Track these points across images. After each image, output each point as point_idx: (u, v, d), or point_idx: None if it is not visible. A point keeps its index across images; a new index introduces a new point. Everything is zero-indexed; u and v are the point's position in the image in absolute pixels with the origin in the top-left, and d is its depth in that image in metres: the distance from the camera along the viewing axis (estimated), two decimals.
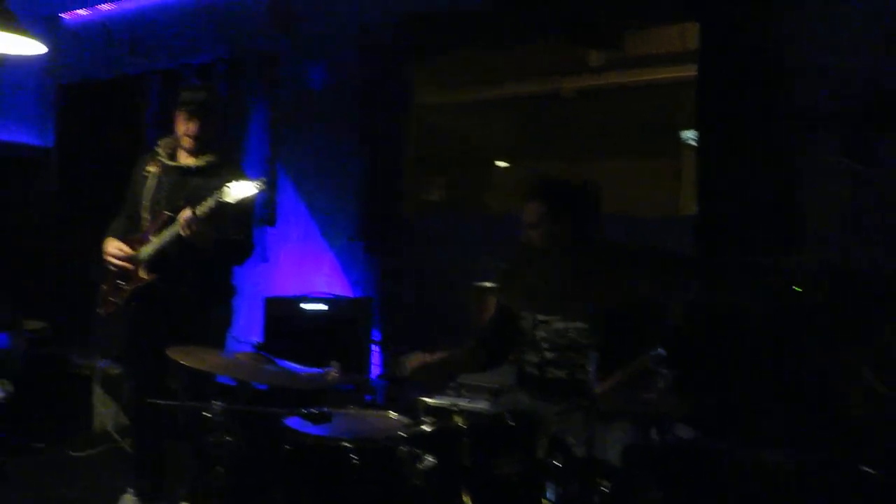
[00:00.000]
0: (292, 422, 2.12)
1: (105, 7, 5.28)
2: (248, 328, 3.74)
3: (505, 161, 6.68)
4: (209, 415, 2.01)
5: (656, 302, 2.27)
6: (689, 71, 3.56)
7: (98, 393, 4.41)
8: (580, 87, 5.17)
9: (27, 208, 5.22)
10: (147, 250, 2.98)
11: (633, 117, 5.10)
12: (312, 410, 1.86)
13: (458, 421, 1.87)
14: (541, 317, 2.39)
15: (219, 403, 1.98)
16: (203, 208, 2.78)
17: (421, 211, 4.49)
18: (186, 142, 3.02)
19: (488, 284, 3.51)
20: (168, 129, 3.11)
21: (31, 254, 5.05)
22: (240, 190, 2.73)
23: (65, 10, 5.36)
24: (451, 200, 6.10)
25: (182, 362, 2.18)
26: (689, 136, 4.41)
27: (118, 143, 5.20)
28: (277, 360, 2.28)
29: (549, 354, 2.37)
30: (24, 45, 3.25)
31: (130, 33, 5.21)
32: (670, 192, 4.83)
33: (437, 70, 4.91)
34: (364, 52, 4.20)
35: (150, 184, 3.06)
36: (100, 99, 5.37)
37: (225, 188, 2.74)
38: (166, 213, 2.94)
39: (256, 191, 2.76)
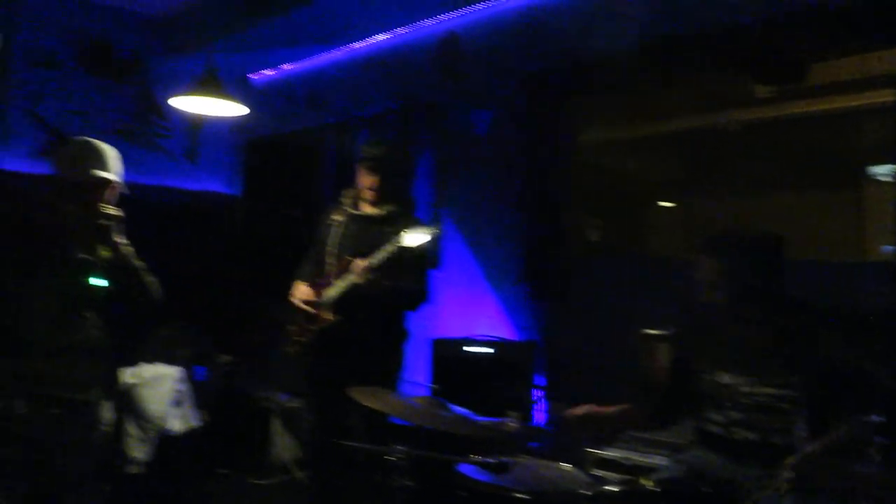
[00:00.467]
0: (466, 468, 2.11)
1: (287, 66, 5.61)
2: (414, 369, 3.79)
3: (668, 199, 6.35)
4: (389, 457, 2.06)
5: (865, 363, 2.04)
6: (875, 98, 3.20)
7: (277, 425, 4.61)
8: (746, 120, 4.88)
9: (220, 251, 5.51)
10: (331, 293, 3.10)
11: (806, 149, 4.73)
12: (491, 460, 1.83)
13: (647, 483, 1.75)
14: (727, 376, 2.26)
15: (400, 447, 1.99)
16: (379, 257, 2.90)
17: (585, 253, 4.41)
18: (367, 193, 3.16)
19: (657, 332, 3.36)
20: (342, 178, 3.36)
21: (222, 293, 5.33)
22: (415, 237, 2.87)
23: (253, 72, 5.72)
24: (614, 242, 5.90)
25: (363, 402, 2.25)
26: (881, 170, 4.01)
27: (297, 191, 5.48)
28: (452, 406, 2.30)
29: (735, 414, 2.23)
30: (229, 108, 3.60)
31: (309, 89, 5.50)
32: (851, 233, 4.42)
33: (598, 108, 4.79)
34: (530, 96, 4.24)
35: (336, 231, 3.20)
36: (281, 151, 5.63)
37: (400, 236, 2.87)
38: (349, 258, 3.06)
39: (430, 238, 2.87)
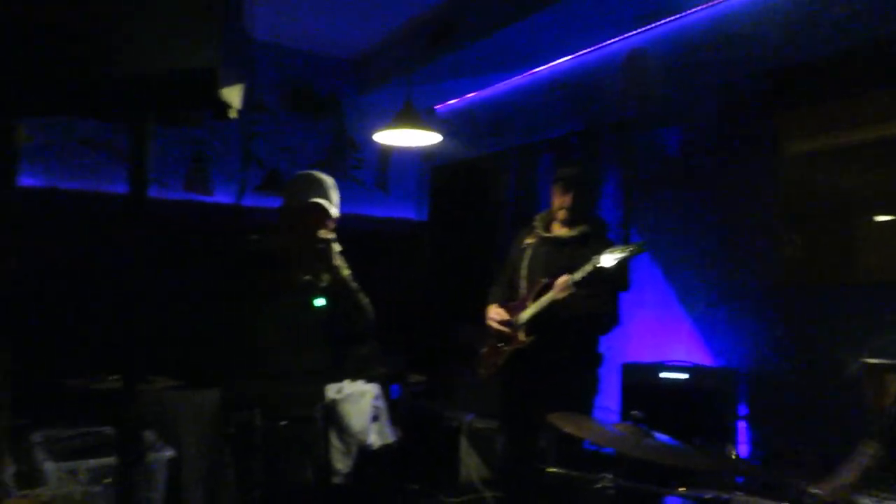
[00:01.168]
0: (673, 501, 2.00)
1: (470, 95, 5.67)
2: (604, 394, 3.69)
3: (883, 213, 5.66)
4: (596, 485, 2.03)
5: None
6: None
7: (465, 445, 4.61)
8: None
9: (411, 274, 5.56)
10: (525, 315, 3.07)
11: None
12: (708, 495, 1.71)
13: None
14: None
15: (609, 475, 1.93)
16: (581, 273, 2.85)
17: (789, 274, 4.00)
18: (561, 214, 3.12)
19: (885, 361, 2.99)
20: (525, 200, 3.43)
21: (415, 314, 5.36)
22: (613, 256, 2.79)
23: (438, 102, 5.83)
24: (822, 261, 5.35)
25: (561, 428, 2.20)
26: None
27: (481, 214, 5.44)
28: (656, 434, 2.21)
29: None
30: (423, 138, 3.66)
31: (492, 115, 5.50)
32: None
33: (801, 118, 4.45)
34: (724, 111, 4.02)
35: (528, 254, 3.17)
36: (465, 176, 5.62)
37: (601, 255, 2.81)
38: (543, 280, 3.03)
39: (629, 256, 2.79)
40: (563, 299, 2.86)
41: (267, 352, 2.33)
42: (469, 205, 5.55)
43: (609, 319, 3.06)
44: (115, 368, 2.67)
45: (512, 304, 3.16)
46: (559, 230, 3.14)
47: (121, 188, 3.17)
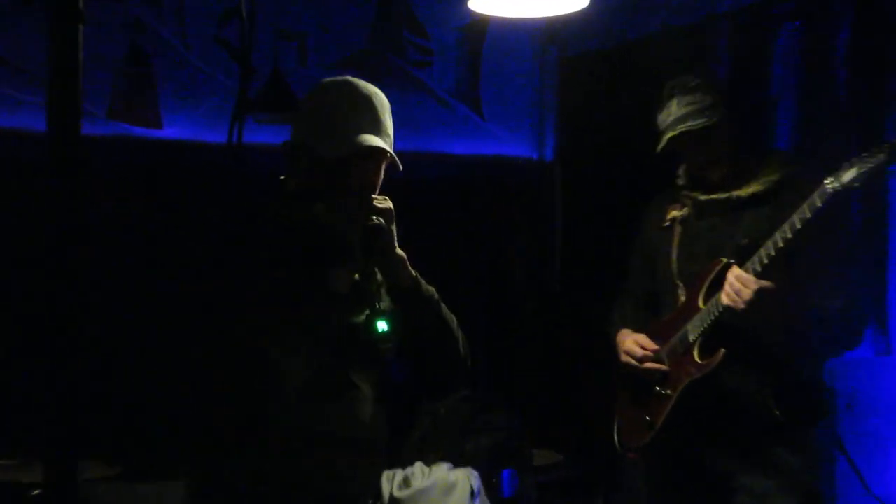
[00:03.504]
0: None
1: None
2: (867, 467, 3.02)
3: None
4: None
5: None
6: None
7: None
8: None
9: (524, 262, 4.43)
10: (695, 329, 2.46)
11: None
12: None
13: None
14: None
15: None
16: (766, 255, 2.26)
17: None
18: (718, 168, 2.51)
19: None
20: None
21: (534, 338, 4.25)
22: (853, 171, 2.12)
23: None
24: None
25: None
26: None
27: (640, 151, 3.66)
28: None
29: None
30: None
31: None
32: None
33: None
34: None
35: (677, 236, 2.63)
36: (628, 77, 3.87)
37: (799, 216, 2.16)
38: (723, 261, 2.41)
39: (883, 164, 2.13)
40: (751, 301, 2.25)
41: (280, 411, 1.80)
42: (633, 131, 3.73)
43: (846, 329, 2.42)
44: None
45: (660, 320, 2.62)
46: (726, 187, 2.52)
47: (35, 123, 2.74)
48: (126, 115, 3.58)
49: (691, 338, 2.42)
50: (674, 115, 2.42)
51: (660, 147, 2.43)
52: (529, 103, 4.39)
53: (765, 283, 2.20)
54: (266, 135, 3.35)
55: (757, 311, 2.23)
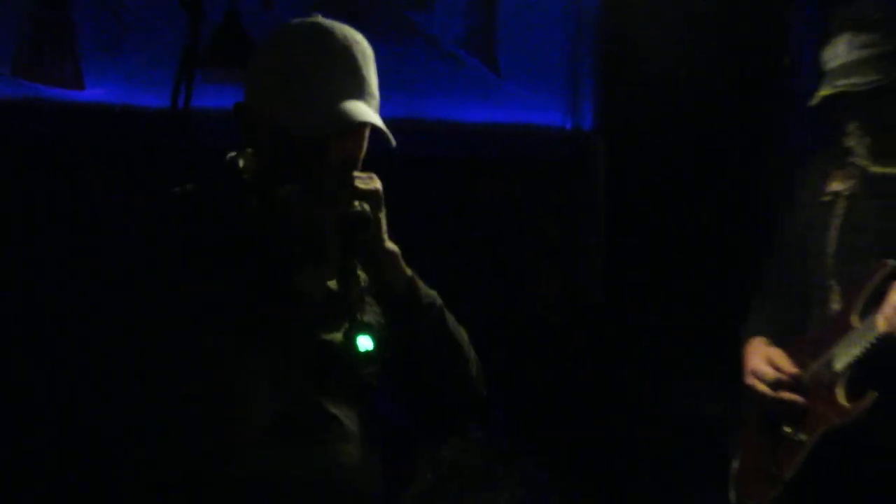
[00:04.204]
0: None
1: None
2: None
3: None
4: None
5: None
6: None
7: None
8: None
9: (558, 261, 4.16)
10: (843, 355, 2.20)
11: None
12: None
13: None
14: None
15: None
16: None
17: None
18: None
19: None
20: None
21: (573, 358, 3.90)
22: None
23: None
24: None
25: None
26: None
27: (732, 124, 3.48)
28: None
29: None
30: None
31: None
32: None
33: None
34: None
35: (837, 215, 2.35)
36: (690, 36, 3.60)
37: None
38: (890, 263, 2.19)
39: None
40: None
41: (238, 456, 1.59)
42: (701, 89, 3.70)
43: None
44: None
45: (806, 337, 2.35)
46: None
47: None
48: (36, 72, 3.41)
49: (837, 366, 2.16)
50: (840, 58, 2.13)
51: (813, 101, 2.18)
52: (560, 56, 3.94)
53: None
54: (218, 97, 3.21)
55: None
